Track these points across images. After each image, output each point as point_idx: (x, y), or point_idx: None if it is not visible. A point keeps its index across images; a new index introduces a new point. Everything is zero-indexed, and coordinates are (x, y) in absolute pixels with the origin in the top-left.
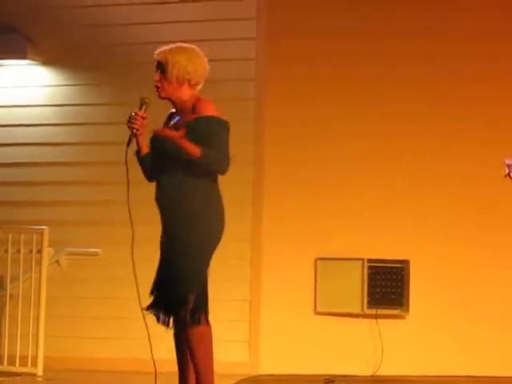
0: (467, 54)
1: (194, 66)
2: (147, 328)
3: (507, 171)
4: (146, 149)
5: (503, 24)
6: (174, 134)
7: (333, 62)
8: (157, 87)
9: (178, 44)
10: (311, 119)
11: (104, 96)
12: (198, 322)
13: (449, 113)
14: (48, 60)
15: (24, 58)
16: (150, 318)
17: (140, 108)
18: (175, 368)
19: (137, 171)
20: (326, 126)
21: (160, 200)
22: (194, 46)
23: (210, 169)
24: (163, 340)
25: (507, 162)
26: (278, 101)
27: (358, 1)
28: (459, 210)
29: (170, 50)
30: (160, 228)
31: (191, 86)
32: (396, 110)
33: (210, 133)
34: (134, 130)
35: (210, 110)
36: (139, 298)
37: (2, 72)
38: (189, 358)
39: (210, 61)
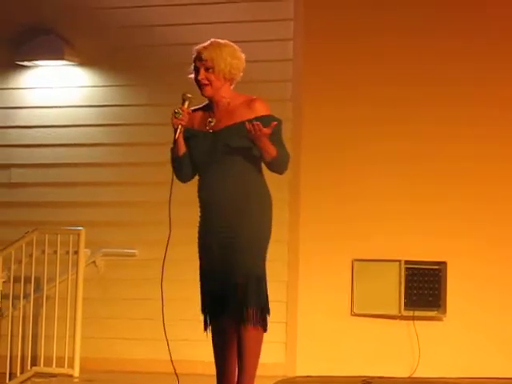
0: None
1: (238, 61)
2: (164, 329)
3: None
4: (183, 150)
5: None
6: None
7: (371, 62)
8: (204, 84)
9: (216, 40)
10: (349, 120)
11: (140, 97)
12: (265, 324)
13: (486, 115)
14: (85, 61)
15: (61, 58)
16: (181, 319)
17: (183, 104)
18: (209, 371)
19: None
20: (363, 127)
21: (216, 197)
22: (229, 41)
23: (280, 169)
24: (200, 342)
25: None
26: (316, 102)
27: (396, 0)
28: (497, 211)
29: (213, 46)
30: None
31: (232, 82)
32: (434, 112)
33: (276, 132)
34: (180, 126)
35: (267, 109)
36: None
37: (39, 73)
38: (230, 358)
39: (247, 62)
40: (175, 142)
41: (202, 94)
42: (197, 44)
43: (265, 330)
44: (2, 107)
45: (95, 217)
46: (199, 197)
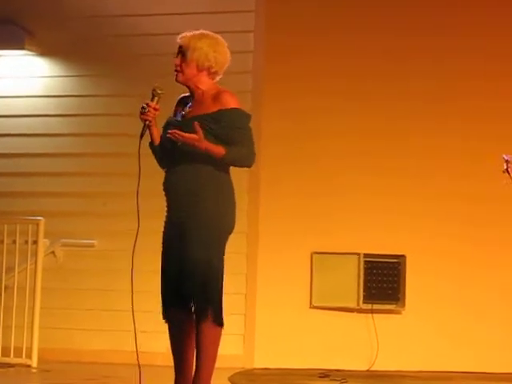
0: (471, 50)
1: (216, 54)
2: (134, 322)
3: (505, 167)
4: (158, 139)
5: None
6: (198, 143)
7: (331, 56)
8: (176, 71)
9: (202, 31)
10: (308, 113)
11: (102, 87)
12: (222, 323)
13: (449, 109)
14: (45, 51)
15: (21, 48)
16: (141, 310)
17: (152, 99)
18: (168, 362)
19: (134, 162)
20: (323, 120)
21: (174, 188)
22: (218, 35)
23: (235, 165)
24: (160, 334)
25: (506, 157)
26: (276, 94)
27: None
28: (455, 206)
29: (193, 36)
30: (163, 219)
31: (210, 74)
32: (393, 106)
33: (235, 126)
34: (147, 122)
35: (234, 102)
36: (132, 291)
37: None
38: (186, 349)
39: None
40: (141, 136)
41: (176, 80)
42: (158, 35)
43: (221, 324)
44: None
45: (55, 207)
46: (163, 188)
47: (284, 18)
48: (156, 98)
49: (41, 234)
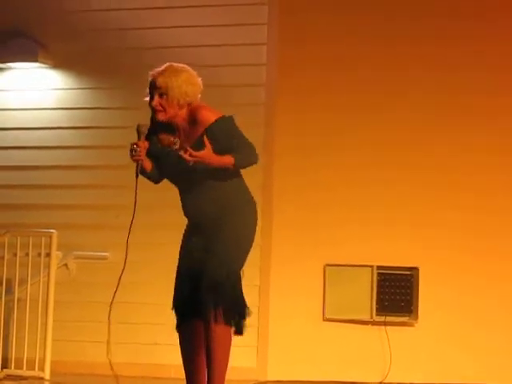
0: (483, 63)
1: (193, 87)
2: (109, 331)
3: None
4: (150, 166)
5: None
6: (211, 158)
7: (345, 68)
8: (158, 110)
9: (170, 65)
10: (321, 126)
11: (114, 100)
12: (235, 325)
13: (459, 122)
14: (58, 63)
15: (35, 60)
16: (154, 323)
17: (139, 138)
18: (182, 374)
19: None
20: (336, 133)
21: (197, 210)
22: (186, 66)
23: (244, 167)
24: (173, 346)
25: None
26: (289, 107)
27: (371, 6)
28: (469, 219)
29: (168, 74)
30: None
31: (188, 106)
32: (408, 118)
33: (228, 135)
34: (140, 162)
35: (210, 114)
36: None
37: (12, 75)
38: (198, 361)
39: (220, 66)
40: (137, 175)
41: (157, 119)
42: (170, 47)
43: (236, 330)
44: None
45: (67, 219)
46: (184, 212)
47: (297, 30)
48: (142, 136)
49: (54, 247)
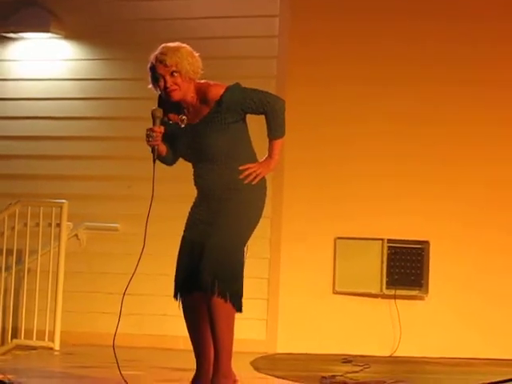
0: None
1: (198, 61)
2: (122, 304)
3: None
4: (165, 150)
5: None
6: (273, 158)
7: (357, 40)
8: (173, 90)
9: (166, 45)
10: (333, 99)
11: (126, 71)
12: (234, 300)
13: (477, 96)
14: (70, 34)
15: (47, 31)
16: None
17: (154, 123)
18: (190, 345)
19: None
20: (347, 106)
21: (208, 187)
22: (182, 44)
23: (283, 114)
24: (182, 318)
25: None
26: (301, 80)
27: None
28: (480, 192)
29: (172, 52)
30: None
31: (194, 82)
32: (417, 91)
33: (241, 100)
34: (156, 147)
35: (219, 88)
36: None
37: (24, 45)
38: (203, 333)
39: (233, 37)
40: (155, 160)
41: (171, 100)
42: (182, 19)
43: (235, 306)
44: None
45: (78, 190)
46: (195, 182)
47: (309, 2)
48: (157, 121)
49: (64, 217)
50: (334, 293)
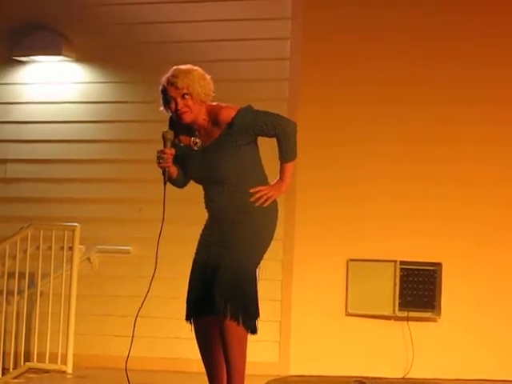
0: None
1: (210, 83)
2: (134, 327)
3: None
4: (175, 172)
5: None
6: (285, 181)
7: (369, 62)
8: (184, 112)
9: (178, 67)
10: (345, 120)
11: (137, 94)
12: (248, 323)
13: (484, 115)
14: (82, 57)
15: (58, 54)
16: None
17: (165, 145)
18: (203, 369)
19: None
20: (359, 127)
21: (219, 210)
22: (193, 66)
23: (295, 136)
24: (195, 340)
25: None
26: (312, 101)
27: (396, 0)
28: (493, 213)
29: (184, 75)
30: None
31: (205, 104)
32: (433, 112)
33: (253, 122)
34: (167, 169)
35: (231, 111)
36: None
37: (36, 68)
38: (216, 356)
39: (244, 60)
40: (165, 183)
41: (182, 122)
42: (193, 41)
43: (246, 328)
44: None
45: (90, 213)
46: (206, 205)
47: (321, 24)
48: (168, 143)
49: (76, 240)
50: (346, 315)
